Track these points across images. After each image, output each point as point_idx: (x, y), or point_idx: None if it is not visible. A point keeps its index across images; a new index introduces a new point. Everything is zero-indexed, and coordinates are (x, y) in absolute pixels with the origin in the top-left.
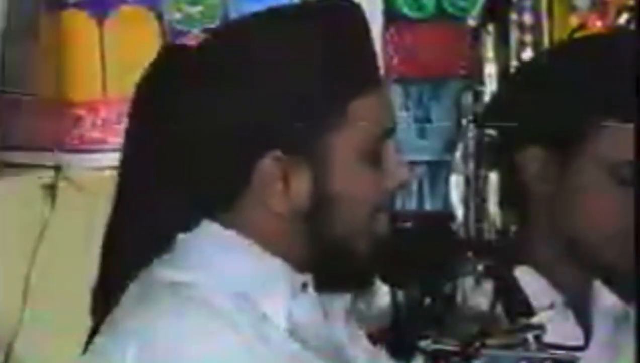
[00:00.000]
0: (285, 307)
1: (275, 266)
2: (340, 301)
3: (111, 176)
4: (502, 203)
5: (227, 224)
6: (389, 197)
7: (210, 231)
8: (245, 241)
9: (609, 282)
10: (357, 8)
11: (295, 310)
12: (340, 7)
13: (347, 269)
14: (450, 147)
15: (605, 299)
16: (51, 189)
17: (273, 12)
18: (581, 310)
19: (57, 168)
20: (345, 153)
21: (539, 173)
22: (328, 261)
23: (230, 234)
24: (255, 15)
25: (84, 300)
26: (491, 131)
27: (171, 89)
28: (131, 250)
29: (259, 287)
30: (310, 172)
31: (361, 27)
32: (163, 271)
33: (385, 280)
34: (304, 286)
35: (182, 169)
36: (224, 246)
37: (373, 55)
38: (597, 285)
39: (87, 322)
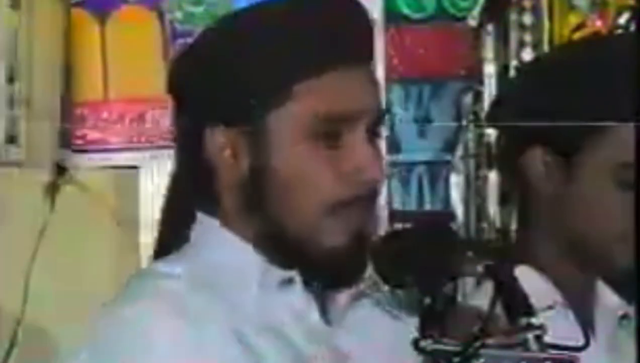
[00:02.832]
0: (255, 299)
1: (247, 257)
2: (343, 297)
3: (112, 175)
4: (504, 203)
5: (209, 212)
6: (355, 191)
7: (200, 219)
8: (223, 229)
9: (611, 283)
10: None
11: (273, 304)
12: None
13: (314, 262)
14: (450, 147)
15: (608, 299)
16: (51, 189)
17: (250, 4)
18: (582, 310)
19: (58, 168)
20: (289, 130)
21: (543, 173)
22: (289, 250)
23: (210, 221)
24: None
25: (84, 299)
26: (495, 131)
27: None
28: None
29: (231, 278)
30: (253, 146)
31: (330, 11)
32: (159, 261)
33: (385, 280)
34: (290, 281)
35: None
36: (206, 234)
37: (339, 38)
38: (600, 285)
39: (85, 316)
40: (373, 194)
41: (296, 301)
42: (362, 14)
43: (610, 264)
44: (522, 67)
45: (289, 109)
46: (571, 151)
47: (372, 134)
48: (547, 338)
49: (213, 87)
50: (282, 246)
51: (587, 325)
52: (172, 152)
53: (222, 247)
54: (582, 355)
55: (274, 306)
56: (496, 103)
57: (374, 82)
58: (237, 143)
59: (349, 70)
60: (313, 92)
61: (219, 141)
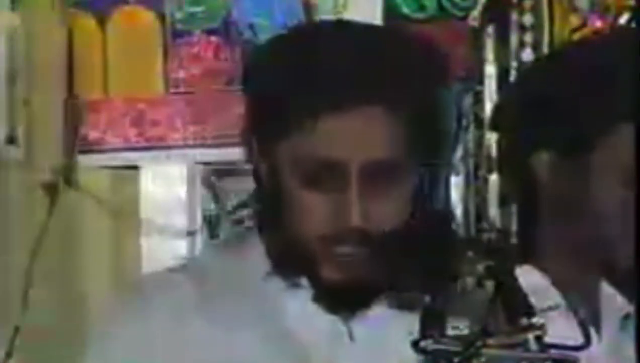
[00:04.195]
0: (261, 301)
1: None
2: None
3: (112, 175)
4: (504, 203)
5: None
6: (336, 232)
7: None
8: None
9: (615, 283)
10: (344, 34)
11: (281, 307)
12: (322, 34)
13: (316, 290)
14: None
15: (612, 299)
16: (51, 189)
17: (286, 31)
18: (585, 309)
19: (58, 168)
20: (288, 164)
21: (550, 174)
22: (296, 269)
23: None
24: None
25: (83, 297)
26: (498, 133)
27: None
28: None
29: (242, 280)
30: (268, 168)
31: (335, 54)
32: None
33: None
34: (297, 285)
35: None
36: (250, 236)
37: (342, 82)
38: (604, 285)
39: (86, 317)
40: (363, 238)
41: (304, 305)
42: (384, 54)
43: (615, 264)
44: (529, 68)
45: (289, 146)
46: (578, 152)
47: (371, 181)
48: (548, 339)
49: (248, 101)
50: (289, 264)
51: (590, 325)
52: (171, 152)
53: (251, 250)
54: (583, 355)
55: (280, 309)
56: (504, 104)
57: (379, 127)
58: (260, 159)
59: (349, 114)
60: (310, 133)
61: (255, 152)
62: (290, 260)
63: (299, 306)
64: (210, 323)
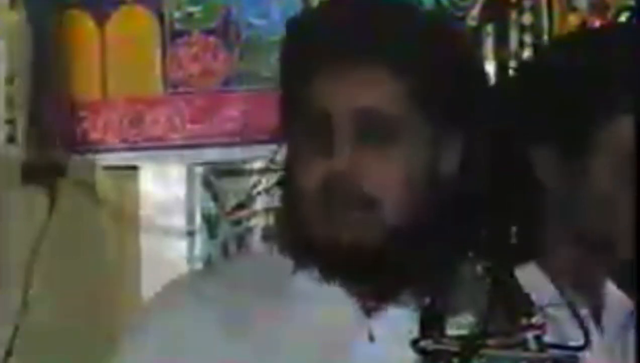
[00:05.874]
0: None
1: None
2: (398, 311)
3: (112, 176)
4: (504, 202)
5: None
6: (322, 182)
7: None
8: None
9: (618, 280)
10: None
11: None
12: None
13: (315, 257)
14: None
15: (615, 297)
16: (51, 190)
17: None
18: (587, 308)
19: (58, 168)
20: (296, 128)
21: (550, 171)
22: (300, 245)
23: None
24: None
25: (84, 296)
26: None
27: None
28: None
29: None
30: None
31: (325, 21)
32: None
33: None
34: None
35: None
36: None
37: (328, 45)
38: (608, 283)
39: (86, 316)
40: (354, 190)
41: (329, 300)
42: (385, 17)
43: (618, 260)
44: (530, 60)
45: (296, 107)
46: (579, 148)
47: (363, 133)
48: (548, 338)
49: (282, 93)
50: (293, 242)
51: (592, 322)
52: (169, 152)
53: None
54: (586, 354)
55: (302, 308)
56: (503, 99)
57: (370, 80)
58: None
59: (341, 69)
60: (309, 87)
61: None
62: (295, 228)
63: (320, 306)
64: (239, 320)
